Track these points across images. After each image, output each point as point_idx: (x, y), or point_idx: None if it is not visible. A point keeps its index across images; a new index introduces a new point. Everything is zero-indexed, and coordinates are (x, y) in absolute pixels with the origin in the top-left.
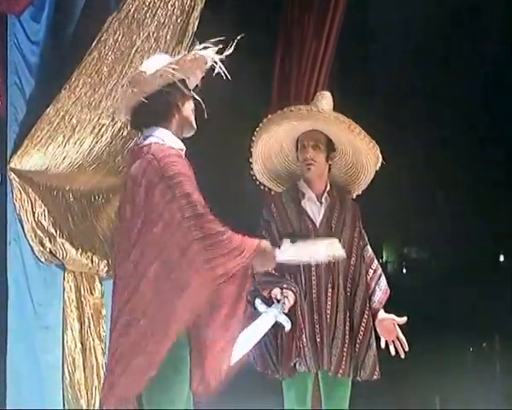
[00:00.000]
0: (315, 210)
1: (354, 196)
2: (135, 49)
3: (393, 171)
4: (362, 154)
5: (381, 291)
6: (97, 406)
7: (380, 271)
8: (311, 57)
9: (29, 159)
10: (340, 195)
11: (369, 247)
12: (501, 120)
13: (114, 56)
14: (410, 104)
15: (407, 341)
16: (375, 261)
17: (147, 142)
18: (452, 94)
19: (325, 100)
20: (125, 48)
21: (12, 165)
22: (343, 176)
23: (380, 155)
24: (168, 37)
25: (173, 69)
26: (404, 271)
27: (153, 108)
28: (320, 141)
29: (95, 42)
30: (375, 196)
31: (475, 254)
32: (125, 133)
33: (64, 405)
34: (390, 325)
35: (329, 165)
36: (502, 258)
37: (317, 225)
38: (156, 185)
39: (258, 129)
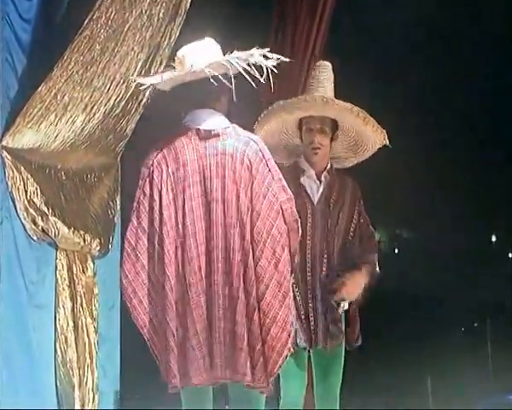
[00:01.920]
0: (313, 187)
1: (349, 166)
2: (127, 26)
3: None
4: (366, 135)
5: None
6: (89, 383)
7: (373, 252)
8: (304, 36)
9: (21, 137)
10: (340, 173)
11: (371, 227)
12: (501, 122)
13: (107, 34)
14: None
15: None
16: (375, 242)
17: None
18: (452, 96)
19: (326, 73)
20: (117, 25)
21: (4, 143)
22: (342, 149)
23: (386, 140)
24: (161, 14)
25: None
26: (396, 251)
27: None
28: (326, 124)
29: (87, 20)
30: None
31: (468, 237)
32: (117, 111)
33: (56, 383)
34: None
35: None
36: (493, 238)
37: (315, 202)
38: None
39: (266, 113)
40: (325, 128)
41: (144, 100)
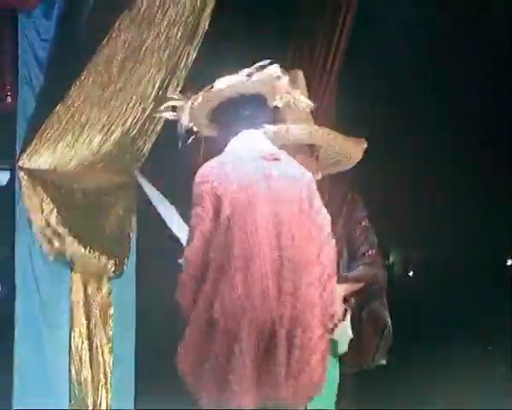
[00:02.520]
0: None
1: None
2: (145, 47)
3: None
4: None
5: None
6: (103, 404)
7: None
8: (322, 52)
9: (38, 157)
10: (331, 185)
11: (370, 241)
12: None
13: (124, 55)
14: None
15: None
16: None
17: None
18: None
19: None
20: (135, 46)
21: (20, 163)
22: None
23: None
24: (178, 36)
25: None
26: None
27: None
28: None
29: (105, 40)
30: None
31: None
32: (134, 132)
33: (71, 401)
34: None
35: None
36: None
37: None
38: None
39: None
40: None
41: (162, 121)
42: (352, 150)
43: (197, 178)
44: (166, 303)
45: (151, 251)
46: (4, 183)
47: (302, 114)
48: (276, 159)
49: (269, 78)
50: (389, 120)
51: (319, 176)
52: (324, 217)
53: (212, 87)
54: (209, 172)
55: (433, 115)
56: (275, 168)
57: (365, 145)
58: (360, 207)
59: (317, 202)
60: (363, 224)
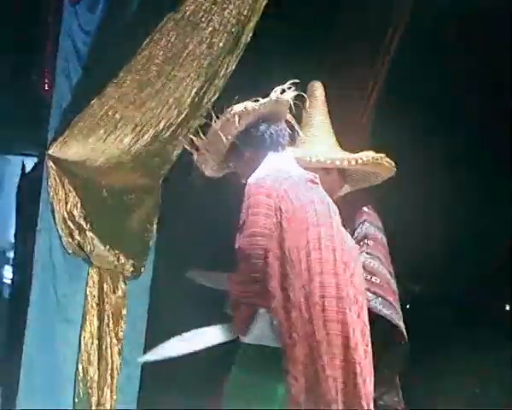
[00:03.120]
0: None
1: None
2: (186, 52)
3: None
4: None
5: None
6: (107, 405)
7: None
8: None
9: (68, 148)
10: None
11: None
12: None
13: (165, 57)
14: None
15: None
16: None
17: None
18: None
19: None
20: (176, 50)
21: (50, 151)
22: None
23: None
24: (221, 44)
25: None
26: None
27: None
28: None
29: (147, 40)
30: None
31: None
32: (166, 135)
33: (74, 399)
34: None
35: None
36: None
37: None
38: None
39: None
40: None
41: (194, 126)
42: (380, 170)
43: (256, 188)
44: (178, 311)
45: (168, 258)
46: (32, 170)
47: (320, 130)
48: (317, 183)
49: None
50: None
51: (341, 192)
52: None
53: (237, 110)
54: (269, 185)
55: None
56: (317, 192)
57: (394, 170)
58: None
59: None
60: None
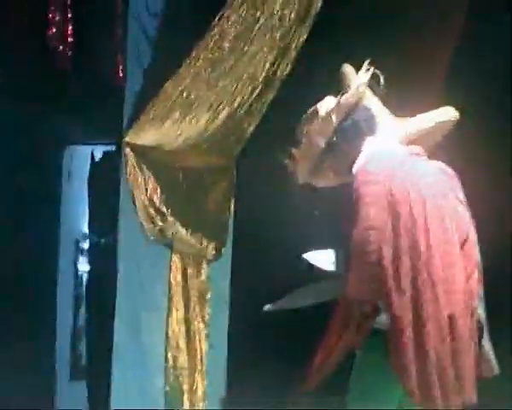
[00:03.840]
0: None
1: None
2: (258, 26)
3: None
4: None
5: None
6: (199, 391)
7: None
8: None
9: (144, 134)
10: None
11: None
12: None
13: (237, 33)
14: None
15: None
16: None
17: None
18: None
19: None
20: (247, 24)
21: (127, 139)
22: None
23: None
24: (292, 15)
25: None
26: None
27: None
28: None
29: (217, 17)
30: None
31: None
32: (241, 112)
33: (165, 388)
34: None
35: None
36: None
37: None
38: None
39: None
40: None
41: (268, 102)
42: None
43: (365, 178)
44: (260, 290)
45: (246, 237)
46: (110, 159)
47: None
48: (423, 155)
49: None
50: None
51: None
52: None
53: (330, 107)
54: (375, 170)
55: None
56: (425, 165)
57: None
58: None
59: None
60: None
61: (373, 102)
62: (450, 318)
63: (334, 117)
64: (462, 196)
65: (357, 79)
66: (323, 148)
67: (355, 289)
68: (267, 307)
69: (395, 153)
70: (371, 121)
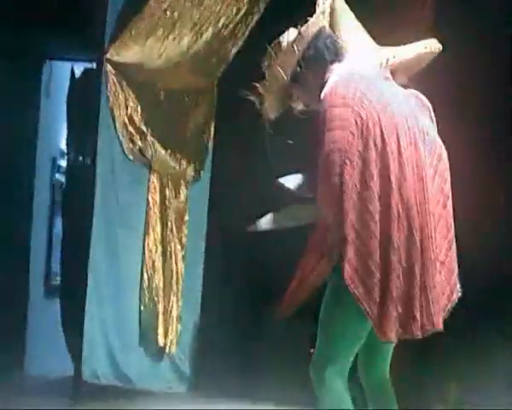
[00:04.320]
0: None
1: None
2: None
3: None
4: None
5: None
6: (174, 313)
7: None
8: None
9: (126, 51)
10: None
11: None
12: None
13: None
14: None
15: None
16: None
17: None
18: None
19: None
20: None
21: (108, 55)
22: None
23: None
24: None
25: None
26: None
27: None
28: None
29: None
30: None
31: None
32: (225, 33)
33: (140, 308)
34: None
35: None
36: None
37: None
38: None
39: None
40: None
41: (252, 24)
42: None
43: (333, 102)
44: (237, 213)
45: (226, 160)
46: (91, 76)
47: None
48: (389, 78)
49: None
50: None
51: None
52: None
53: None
54: (344, 92)
55: None
56: (395, 88)
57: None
58: None
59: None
60: None
61: (351, 28)
62: (422, 240)
63: (296, 47)
64: (434, 124)
65: (318, 7)
66: (290, 79)
67: (324, 210)
68: (250, 227)
69: (365, 76)
70: (335, 48)
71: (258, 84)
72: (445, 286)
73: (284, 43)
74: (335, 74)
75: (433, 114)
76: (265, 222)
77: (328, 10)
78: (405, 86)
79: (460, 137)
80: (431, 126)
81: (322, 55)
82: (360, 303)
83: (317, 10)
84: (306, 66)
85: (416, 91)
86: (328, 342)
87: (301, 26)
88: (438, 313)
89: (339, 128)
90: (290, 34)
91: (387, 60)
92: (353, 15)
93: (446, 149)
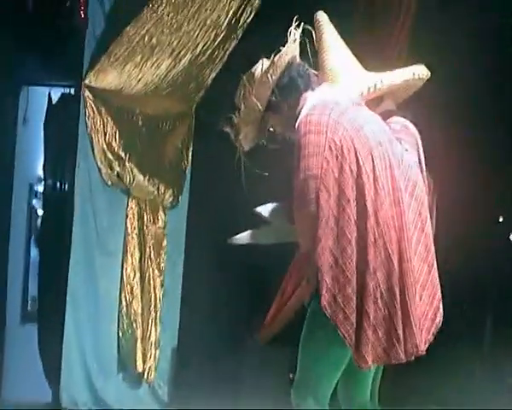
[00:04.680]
0: None
1: None
2: None
3: None
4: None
5: None
6: (152, 338)
7: None
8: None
9: (104, 77)
10: None
11: None
12: None
13: None
14: None
15: None
16: None
17: None
18: None
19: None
20: None
21: (87, 81)
22: None
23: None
24: None
25: None
26: None
27: None
28: None
29: None
30: None
31: None
32: (203, 59)
33: (118, 333)
34: None
35: None
36: None
37: None
38: None
39: None
40: None
41: (230, 49)
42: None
43: (307, 129)
44: (215, 238)
45: (204, 186)
46: (69, 102)
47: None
48: (362, 104)
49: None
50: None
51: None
52: None
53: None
54: (317, 120)
55: None
56: (367, 113)
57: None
58: None
59: None
60: None
61: (340, 54)
62: (401, 264)
63: (270, 77)
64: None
65: (290, 36)
66: (265, 109)
67: (300, 238)
68: (231, 239)
69: (338, 103)
70: (308, 76)
71: (233, 115)
72: (427, 309)
73: (258, 74)
74: (309, 102)
75: (419, 142)
76: (245, 237)
77: (298, 39)
78: (394, 113)
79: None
80: (411, 154)
81: (295, 83)
82: (339, 329)
83: (289, 39)
84: (281, 95)
85: (403, 119)
86: (310, 367)
87: (274, 55)
88: (420, 337)
89: (313, 155)
90: (262, 64)
91: (375, 85)
92: (342, 42)
93: None
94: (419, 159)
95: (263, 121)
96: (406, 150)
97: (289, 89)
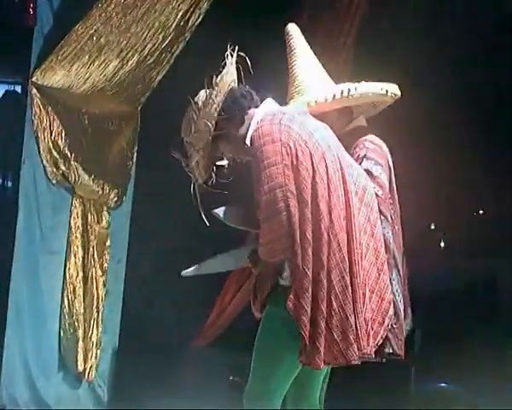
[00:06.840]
0: None
1: None
2: None
3: None
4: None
5: None
6: (94, 338)
7: None
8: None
9: (52, 75)
10: None
11: None
12: None
13: None
14: None
15: None
16: None
17: None
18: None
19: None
20: None
21: (34, 79)
22: None
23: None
24: None
25: None
26: None
27: None
28: None
29: None
30: None
31: None
32: (151, 61)
33: (60, 333)
34: None
35: None
36: None
37: None
38: None
39: None
40: None
41: (177, 52)
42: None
43: (261, 141)
44: (159, 239)
45: (148, 187)
46: (15, 99)
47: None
48: (308, 113)
49: None
50: None
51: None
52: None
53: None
54: (270, 129)
55: None
56: (314, 121)
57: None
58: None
59: None
60: None
61: (310, 67)
62: (351, 266)
63: (214, 98)
64: (385, 171)
65: (227, 58)
66: (214, 131)
67: (267, 249)
68: (184, 272)
69: (285, 112)
70: (250, 94)
71: (185, 143)
72: (374, 313)
73: (202, 97)
74: (256, 116)
75: (391, 164)
76: (193, 270)
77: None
78: (366, 129)
79: None
80: (353, 159)
81: (239, 103)
82: (302, 330)
83: (227, 61)
84: (227, 115)
85: (377, 139)
86: (264, 373)
87: (215, 77)
88: (367, 340)
89: (273, 164)
90: (202, 96)
91: (349, 90)
92: (312, 54)
93: None
94: (390, 180)
95: (213, 148)
96: (377, 171)
97: (233, 110)
